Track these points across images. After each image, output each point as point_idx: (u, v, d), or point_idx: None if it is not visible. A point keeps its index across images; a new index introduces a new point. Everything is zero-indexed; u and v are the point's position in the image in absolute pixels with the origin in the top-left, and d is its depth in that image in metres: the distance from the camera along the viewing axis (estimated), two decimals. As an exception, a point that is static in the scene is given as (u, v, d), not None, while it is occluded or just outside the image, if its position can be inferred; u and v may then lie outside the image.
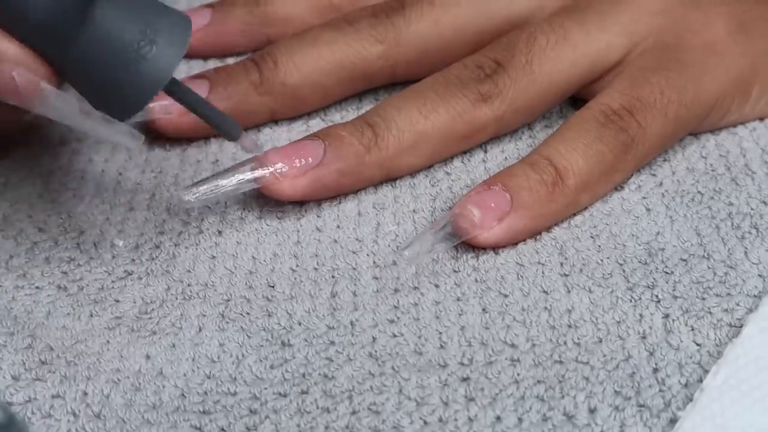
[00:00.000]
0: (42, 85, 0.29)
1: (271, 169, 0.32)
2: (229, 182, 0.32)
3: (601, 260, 0.31)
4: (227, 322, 0.30)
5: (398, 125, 0.34)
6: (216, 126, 0.31)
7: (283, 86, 0.36)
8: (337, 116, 0.38)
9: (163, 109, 0.36)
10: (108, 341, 0.29)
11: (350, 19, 0.37)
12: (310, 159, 0.33)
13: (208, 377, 0.28)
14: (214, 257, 0.32)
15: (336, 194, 0.34)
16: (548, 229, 0.32)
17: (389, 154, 0.33)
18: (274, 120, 0.38)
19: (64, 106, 0.30)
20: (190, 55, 0.41)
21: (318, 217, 0.33)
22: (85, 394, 0.28)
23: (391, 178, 0.35)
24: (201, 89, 0.35)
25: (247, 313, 0.30)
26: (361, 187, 0.34)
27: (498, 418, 0.26)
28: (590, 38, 0.35)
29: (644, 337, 0.28)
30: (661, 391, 0.27)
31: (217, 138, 0.37)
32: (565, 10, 0.36)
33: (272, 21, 0.40)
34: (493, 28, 0.37)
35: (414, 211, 0.34)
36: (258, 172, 0.32)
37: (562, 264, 0.31)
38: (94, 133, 0.31)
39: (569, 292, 0.30)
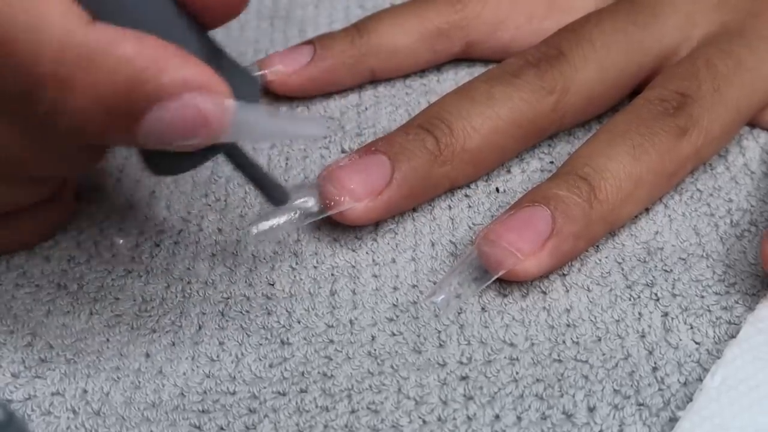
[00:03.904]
0: (227, 102, 0.23)
1: None
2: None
3: (600, 259, 0.31)
4: (227, 321, 0.30)
5: (613, 174, 0.31)
6: (265, 191, 0.28)
7: (464, 152, 0.32)
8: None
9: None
10: (108, 339, 0.29)
11: (512, 72, 0.34)
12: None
13: (208, 376, 0.28)
14: (213, 255, 0.32)
15: (571, 260, 0.31)
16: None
17: (610, 206, 0.30)
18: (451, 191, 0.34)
19: (252, 116, 0.24)
20: (294, 96, 0.38)
21: (317, 215, 0.34)
22: (85, 391, 0.28)
23: (611, 231, 0.32)
24: (382, 164, 0.31)
25: (247, 312, 0.30)
26: (588, 247, 0.31)
27: (497, 417, 0.27)
28: (764, 61, 0.34)
29: (643, 336, 0.28)
30: (660, 389, 0.27)
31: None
32: (721, 37, 0.35)
33: (377, 52, 0.38)
34: (647, 63, 0.35)
35: (413, 209, 0.34)
36: None
37: (561, 262, 0.31)
38: (282, 133, 0.26)
39: (568, 291, 0.30)
